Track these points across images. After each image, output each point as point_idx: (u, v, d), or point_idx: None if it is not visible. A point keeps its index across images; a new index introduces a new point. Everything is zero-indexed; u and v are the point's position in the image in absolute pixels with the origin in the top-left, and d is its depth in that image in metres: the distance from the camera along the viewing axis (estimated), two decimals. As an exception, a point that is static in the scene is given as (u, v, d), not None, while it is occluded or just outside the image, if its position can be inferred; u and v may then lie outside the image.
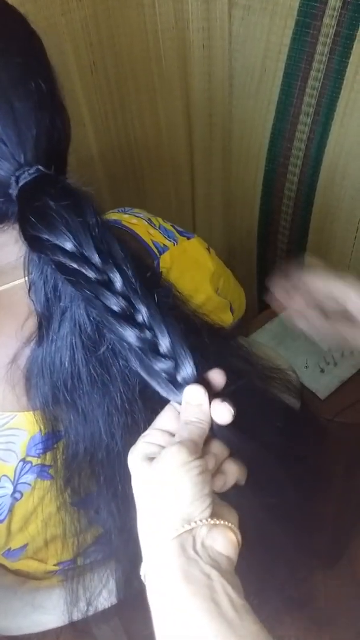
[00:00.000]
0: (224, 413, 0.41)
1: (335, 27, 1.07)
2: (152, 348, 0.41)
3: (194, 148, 1.34)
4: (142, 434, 0.43)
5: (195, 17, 1.15)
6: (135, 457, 0.41)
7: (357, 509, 1.13)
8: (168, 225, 0.65)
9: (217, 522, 0.39)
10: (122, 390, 0.46)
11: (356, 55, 1.06)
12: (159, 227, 0.63)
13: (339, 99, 1.12)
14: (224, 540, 0.39)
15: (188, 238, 0.65)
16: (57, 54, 1.06)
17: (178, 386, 0.42)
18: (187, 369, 0.41)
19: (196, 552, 0.38)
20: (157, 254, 0.60)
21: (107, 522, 0.53)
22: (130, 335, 0.40)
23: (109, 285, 0.41)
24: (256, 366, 0.51)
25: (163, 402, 0.43)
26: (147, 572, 0.39)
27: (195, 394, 0.41)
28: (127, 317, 0.41)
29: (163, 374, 0.41)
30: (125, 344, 0.41)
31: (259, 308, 1.49)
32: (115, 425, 0.47)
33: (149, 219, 0.64)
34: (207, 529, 0.39)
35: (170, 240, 0.62)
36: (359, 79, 1.07)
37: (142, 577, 0.40)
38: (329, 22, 1.08)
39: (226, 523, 0.40)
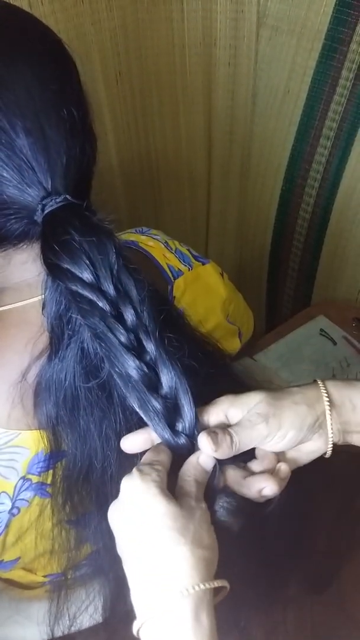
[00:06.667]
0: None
1: (361, 54, 1.07)
2: (152, 386, 0.42)
3: (213, 163, 1.34)
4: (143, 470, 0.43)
5: (223, 34, 1.15)
6: (152, 489, 0.41)
7: (349, 536, 1.13)
8: (184, 249, 0.65)
9: (220, 583, 0.39)
10: (120, 416, 0.46)
11: (381, 83, 1.06)
12: (175, 251, 0.63)
13: (360, 124, 1.13)
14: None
15: (203, 263, 0.65)
16: (85, 62, 1.07)
17: (174, 429, 0.43)
18: (187, 416, 0.43)
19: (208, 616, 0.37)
20: (172, 278, 0.60)
21: (97, 541, 0.53)
22: (131, 367, 0.41)
23: (120, 319, 0.42)
24: None
25: None
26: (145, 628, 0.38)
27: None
28: (133, 351, 0.42)
29: (160, 415, 0.42)
30: (125, 375, 0.42)
31: (266, 328, 1.49)
32: (111, 448, 0.47)
33: (166, 242, 0.64)
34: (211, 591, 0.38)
35: (185, 265, 0.62)
36: (382, 107, 1.08)
37: (135, 632, 0.38)
38: (356, 48, 1.08)
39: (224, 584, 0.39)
